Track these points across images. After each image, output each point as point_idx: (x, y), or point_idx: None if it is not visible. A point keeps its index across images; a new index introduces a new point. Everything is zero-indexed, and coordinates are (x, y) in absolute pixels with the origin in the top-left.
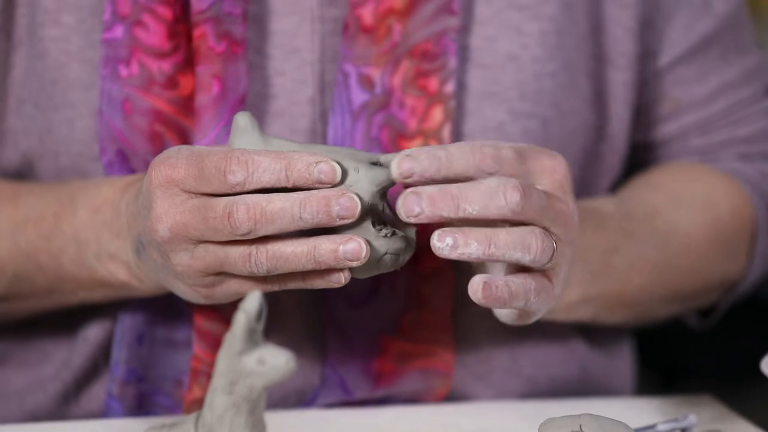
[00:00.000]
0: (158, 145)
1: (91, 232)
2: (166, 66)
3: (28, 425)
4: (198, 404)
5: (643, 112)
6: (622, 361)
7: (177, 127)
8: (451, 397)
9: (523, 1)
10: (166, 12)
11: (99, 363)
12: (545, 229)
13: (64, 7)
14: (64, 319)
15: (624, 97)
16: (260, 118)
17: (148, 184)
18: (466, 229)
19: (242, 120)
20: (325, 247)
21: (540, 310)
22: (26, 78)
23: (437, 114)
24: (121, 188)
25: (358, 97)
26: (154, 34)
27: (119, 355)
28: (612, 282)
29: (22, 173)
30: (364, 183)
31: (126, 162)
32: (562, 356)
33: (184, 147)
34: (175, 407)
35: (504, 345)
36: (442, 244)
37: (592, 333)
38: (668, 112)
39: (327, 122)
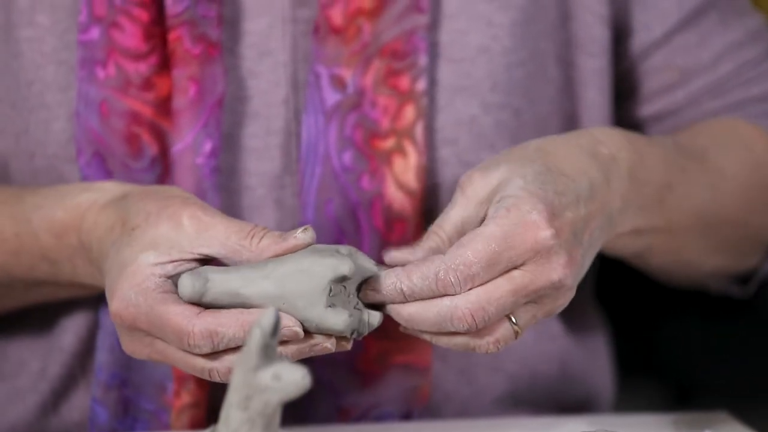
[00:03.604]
0: (136, 147)
1: (62, 255)
2: (142, 68)
3: None
4: (188, 411)
5: (636, 89)
6: (602, 360)
7: (154, 128)
8: (434, 394)
9: None
10: (142, 14)
11: (75, 372)
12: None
13: (38, 8)
14: (39, 329)
15: (599, 84)
16: (237, 119)
17: (111, 316)
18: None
19: (188, 292)
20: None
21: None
22: (3, 78)
23: (409, 112)
24: (74, 212)
25: (331, 97)
26: (130, 36)
27: (102, 358)
28: (661, 217)
29: None
30: (324, 332)
31: (103, 164)
32: (544, 353)
33: (139, 288)
34: (160, 412)
35: None
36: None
37: (572, 329)
38: (673, 82)
39: (301, 123)
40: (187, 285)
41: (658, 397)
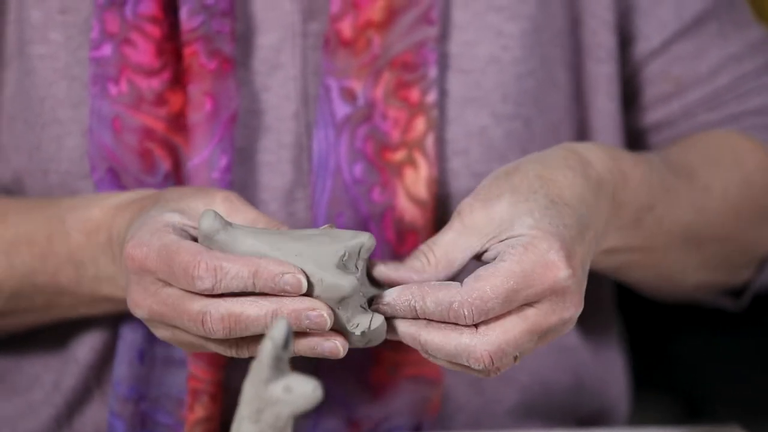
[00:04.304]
0: (149, 163)
1: (87, 255)
2: (155, 83)
3: None
4: (201, 425)
5: (636, 97)
6: (617, 373)
7: (167, 144)
8: (445, 406)
9: (501, 2)
10: (155, 30)
11: (90, 384)
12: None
13: (51, 25)
14: (54, 341)
15: (608, 90)
16: (250, 134)
17: (122, 260)
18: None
19: (206, 224)
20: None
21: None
22: (17, 95)
23: (420, 124)
24: (111, 210)
25: (341, 110)
26: (142, 52)
27: (121, 372)
28: (638, 236)
29: (12, 190)
30: (328, 293)
31: (117, 180)
32: (557, 365)
33: (156, 231)
34: (177, 426)
35: None
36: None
37: (588, 341)
38: (669, 92)
39: (311, 136)
40: (209, 217)
41: (670, 410)
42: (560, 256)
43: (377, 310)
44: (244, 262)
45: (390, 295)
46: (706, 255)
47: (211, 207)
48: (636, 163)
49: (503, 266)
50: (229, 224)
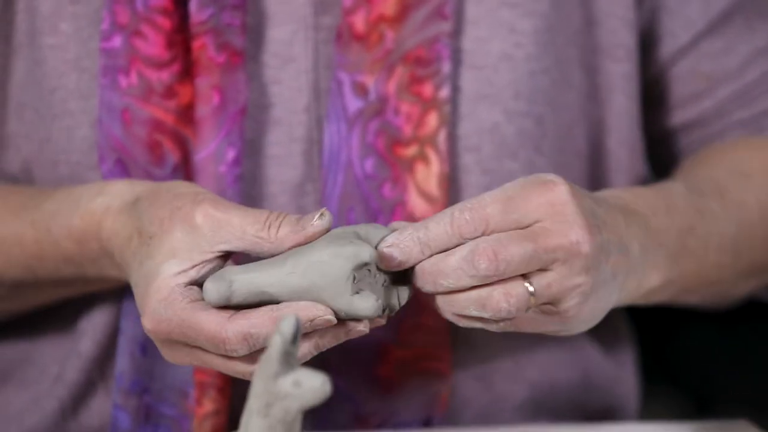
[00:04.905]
0: (158, 155)
1: (85, 259)
2: (164, 76)
3: None
4: (210, 419)
5: (664, 97)
6: (627, 370)
7: (176, 136)
8: (453, 401)
9: None
10: (165, 22)
11: (94, 377)
12: (529, 275)
13: (61, 15)
14: (57, 335)
15: (626, 89)
16: (259, 127)
17: (147, 330)
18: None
19: (214, 299)
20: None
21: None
22: (27, 83)
23: (432, 120)
24: (91, 219)
25: (353, 104)
26: (153, 44)
27: (123, 365)
28: (690, 262)
29: (20, 180)
30: (353, 317)
31: (125, 171)
32: (566, 361)
33: (165, 301)
34: (182, 418)
35: (505, 347)
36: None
37: (596, 338)
38: (700, 89)
39: (323, 130)
40: (213, 291)
41: (678, 405)
42: (559, 179)
43: (383, 256)
44: (271, 322)
45: (394, 238)
46: (756, 263)
47: (194, 231)
48: (656, 193)
49: (503, 185)
50: (231, 281)
